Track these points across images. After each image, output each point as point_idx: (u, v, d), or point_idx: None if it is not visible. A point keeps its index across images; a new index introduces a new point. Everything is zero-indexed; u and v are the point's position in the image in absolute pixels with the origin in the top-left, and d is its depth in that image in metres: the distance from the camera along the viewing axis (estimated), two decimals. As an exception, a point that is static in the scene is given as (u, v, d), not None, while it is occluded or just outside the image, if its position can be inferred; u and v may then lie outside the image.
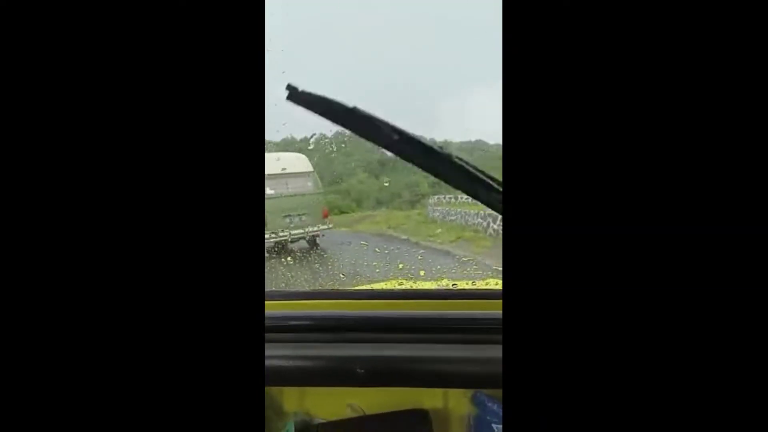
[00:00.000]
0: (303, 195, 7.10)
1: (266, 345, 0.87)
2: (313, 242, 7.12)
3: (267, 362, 0.86)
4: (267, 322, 0.92)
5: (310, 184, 7.34)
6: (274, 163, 7.11)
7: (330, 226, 7.30)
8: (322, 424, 1.00)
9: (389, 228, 8.40)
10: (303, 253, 6.86)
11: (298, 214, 7.00)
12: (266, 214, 5.81)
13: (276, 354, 0.89)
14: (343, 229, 8.47)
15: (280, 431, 0.99)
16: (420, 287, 1.73)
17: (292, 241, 6.90)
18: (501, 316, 0.43)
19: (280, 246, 6.69)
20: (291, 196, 6.98)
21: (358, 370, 0.84)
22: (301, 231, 6.95)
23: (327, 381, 0.90)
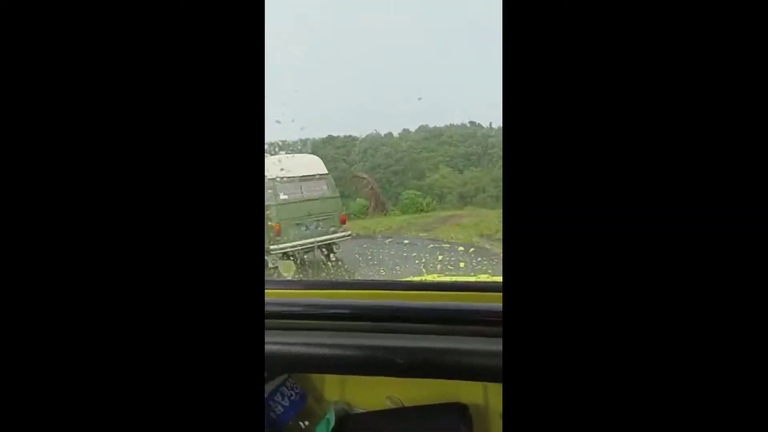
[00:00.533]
0: (318, 200, 6.43)
1: (306, 333, 0.89)
2: (329, 251, 6.32)
3: (307, 349, 0.88)
4: (305, 310, 0.94)
5: (325, 187, 6.64)
6: (287, 165, 6.34)
7: (349, 233, 6.57)
8: (362, 414, 1.00)
9: (482, 237, 6.86)
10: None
11: (315, 220, 6.31)
12: (280, 221, 5.89)
13: (315, 342, 0.90)
14: (421, 234, 7.43)
15: (320, 419, 1.01)
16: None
17: (305, 252, 6.18)
18: None
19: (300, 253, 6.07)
20: (305, 201, 6.32)
21: (398, 361, 0.84)
22: (320, 239, 6.22)
23: (367, 370, 0.90)
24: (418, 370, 0.84)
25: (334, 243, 6.27)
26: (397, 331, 0.89)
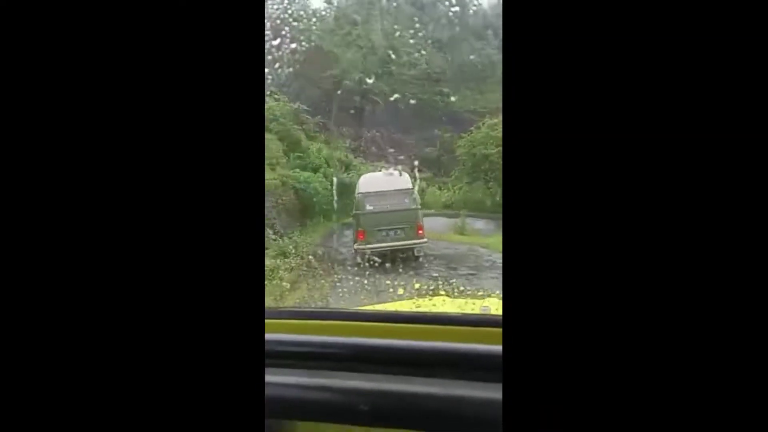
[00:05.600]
0: (400, 211, 7.63)
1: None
2: (411, 256, 7.55)
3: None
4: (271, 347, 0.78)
5: (407, 200, 7.86)
6: (377, 180, 8.18)
7: (425, 240, 7.67)
8: None
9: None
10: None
11: (393, 229, 7.51)
12: (364, 229, 7.46)
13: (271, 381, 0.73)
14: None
15: None
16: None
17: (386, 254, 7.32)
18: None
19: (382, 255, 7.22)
20: (389, 212, 7.55)
21: (362, 407, 0.72)
22: (397, 244, 7.42)
23: (324, 416, 0.76)
24: (387, 419, 0.73)
25: (412, 248, 7.44)
26: (366, 371, 0.77)
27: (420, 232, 7.66)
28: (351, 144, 20.51)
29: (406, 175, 8.56)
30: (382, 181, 8.25)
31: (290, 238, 8.81)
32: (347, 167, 17.21)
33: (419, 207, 7.97)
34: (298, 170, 13.96)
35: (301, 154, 15.68)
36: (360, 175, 14.77)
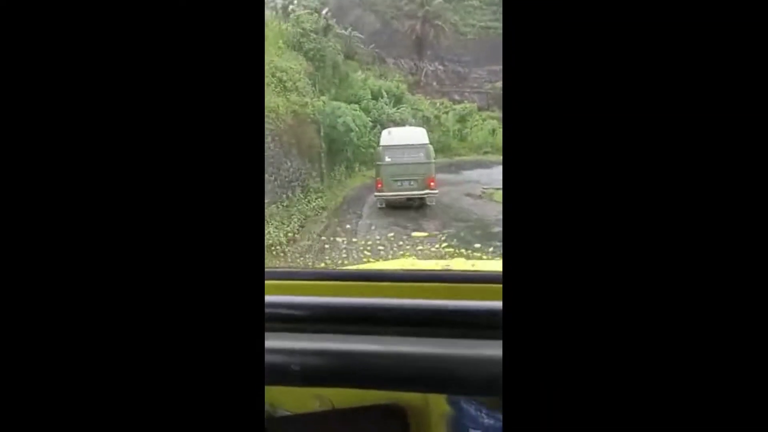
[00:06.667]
0: (413, 164, 8.63)
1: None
2: (422, 202, 8.74)
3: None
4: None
5: (421, 154, 8.82)
6: (395, 135, 9.48)
7: (436, 191, 8.73)
8: (285, 418, 0.87)
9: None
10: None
11: (407, 179, 8.57)
12: (382, 178, 8.58)
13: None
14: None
15: None
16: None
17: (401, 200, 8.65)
18: (495, 307, 0.46)
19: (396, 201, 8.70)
20: (404, 164, 8.61)
21: (293, 367, 0.70)
22: (409, 193, 8.63)
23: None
24: (316, 380, 0.72)
25: (423, 198, 8.69)
26: (299, 330, 0.75)
27: (431, 183, 8.63)
28: (409, 78, 18.62)
29: (422, 130, 10.00)
30: (402, 136, 9.48)
31: (281, 205, 8.17)
32: (398, 100, 15.01)
33: (431, 161, 8.91)
34: (324, 100, 11.80)
35: (336, 81, 13.65)
36: (415, 110, 15.12)
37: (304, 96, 10.61)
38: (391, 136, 9.40)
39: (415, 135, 9.45)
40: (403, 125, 12.26)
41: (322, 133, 10.86)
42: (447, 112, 16.47)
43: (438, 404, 0.80)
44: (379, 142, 9.45)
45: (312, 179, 10.01)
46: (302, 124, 9.85)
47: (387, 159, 8.65)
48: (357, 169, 12.23)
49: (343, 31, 15.73)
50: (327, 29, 13.57)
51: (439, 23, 20.08)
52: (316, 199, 9.25)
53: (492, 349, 0.59)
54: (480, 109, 16.98)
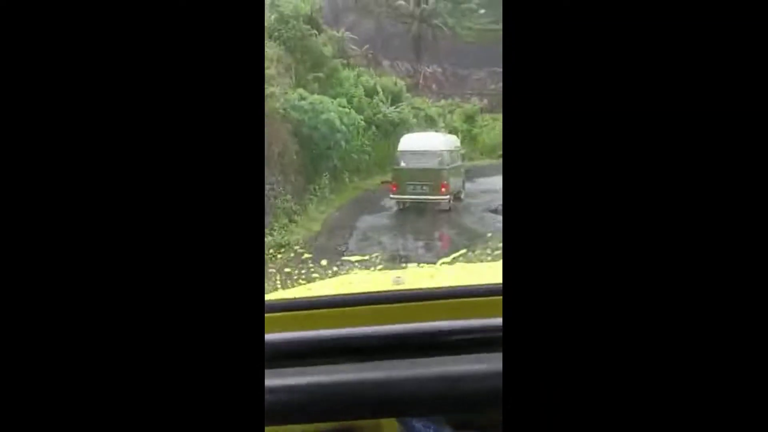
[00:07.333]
0: (427, 170, 8.89)
1: None
2: (438, 205, 9.11)
3: None
4: None
5: (436, 161, 9.09)
6: (416, 140, 9.85)
7: (447, 197, 9.02)
8: None
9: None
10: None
11: (420, 184, 8.82)
12: (396, 182, 8.98)
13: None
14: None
15: None
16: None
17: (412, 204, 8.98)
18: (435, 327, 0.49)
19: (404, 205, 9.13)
20: (417, 170, 8.89)
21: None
22: (421, 198, 8.97)
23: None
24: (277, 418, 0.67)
25: (437, 202, 9.05)
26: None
27: (443, 189, 8.92)
28: (407, 80, 16.89)
29: (442, 137, 10.68)
30: (420, 141, 9.79)
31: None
32: (395, 98, 13.02)
33: (445, 168, 9.15)
34: (301, 92, 9.46)
35: (323, 76, 11.57)
36: (414, 108, 14.62)
37: (271, 86, 8.24)
38: (408, 141, 9.73)
39: (432, 140, 10.01)
40: (404, 125, 12.54)
41: (297, 136, 8.89)
42: (452, 111, 14.92)
43: (389, 423, 0.82)
44: (397, 147, 9.67)
45: (281, 199, 7.83)
46: (268, 124, 7.51)
47: (402, 164, 9.11)
48: (347, 179, 10.23)
49: (335, 33, 13.89)
50: (311, 19, 11.61)
51: (438, 23, 18.80)
52: (281, 228, 7.15)
53: (437, 367, 0.63)
54: (482, 111, 15.79)
